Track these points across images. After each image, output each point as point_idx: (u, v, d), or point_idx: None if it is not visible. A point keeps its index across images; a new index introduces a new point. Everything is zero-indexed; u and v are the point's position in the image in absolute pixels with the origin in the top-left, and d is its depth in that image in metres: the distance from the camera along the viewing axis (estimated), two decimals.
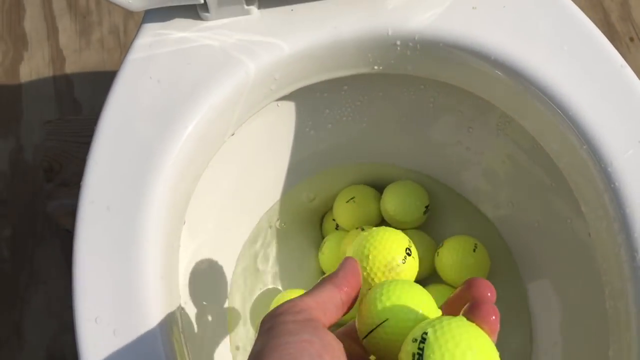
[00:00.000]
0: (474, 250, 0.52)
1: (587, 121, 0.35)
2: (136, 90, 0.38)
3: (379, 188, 0.61)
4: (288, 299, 0.52)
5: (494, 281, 0.52)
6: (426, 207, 0.57)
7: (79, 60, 0.88)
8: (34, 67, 0.88)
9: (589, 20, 0.41)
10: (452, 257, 0.52)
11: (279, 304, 0.52)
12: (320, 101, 0.51)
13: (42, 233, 0.77)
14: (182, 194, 0.37)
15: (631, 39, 0.86)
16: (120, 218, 0.34)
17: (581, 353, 0.39)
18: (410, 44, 0.40)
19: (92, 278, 0.33)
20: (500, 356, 0.27)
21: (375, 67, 0.43)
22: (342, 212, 0.58)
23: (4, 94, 0.87)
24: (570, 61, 0.37)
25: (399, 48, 0.41)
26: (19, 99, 0.86)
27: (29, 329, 0.73)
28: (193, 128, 0.37)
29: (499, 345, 0.25)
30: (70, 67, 0.87)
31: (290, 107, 0.51)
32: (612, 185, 0.34)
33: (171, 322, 0.32)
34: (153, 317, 0.32)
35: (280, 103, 0.49)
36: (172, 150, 0.36)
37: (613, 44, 0.90)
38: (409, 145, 0.57)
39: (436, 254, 0.54)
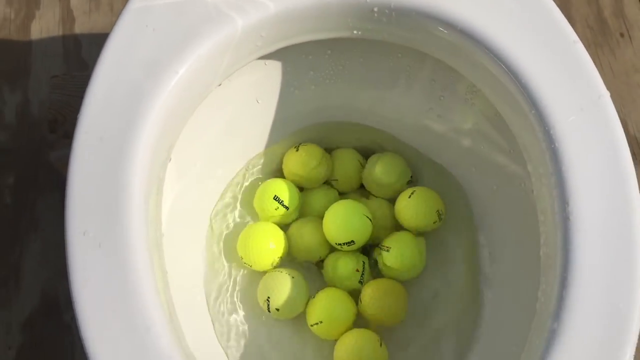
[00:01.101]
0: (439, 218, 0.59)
1: (537, 89, 0.39)
2: (133, 37, 0.42)
3: (359, 149, 0.65)
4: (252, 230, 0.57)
5: (453, 233, 0.56)
6: (410, 177, 0.63)
7: (87, 21, 0.89)
8: (44, 25, 0.89)
9: (550, 1, 0.44)
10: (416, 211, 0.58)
11: (245, 233, 0.58)
12: (305, 63, 0.54)
13: (43, 183, 0.79)
14: (169, 135, 0.41)
15: (621, 35, 0.89)
16: (111, 147, 0.38)
17: (519, 292, 0.43)
18: (387, 10, 0.44)
19: (83, 196, 0.37)
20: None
21: (355, 32, 0.47)
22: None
23: (14, 49, 0.87)
24: (529, 35, 0.41)
25: (376, 14, 0.44)
26: (28, 55, 0.87)
27: (27, 271, 0.75)
28: (182, 74, 0.41)
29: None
30: (79, 28, 0.89)
31: (276, 66, 0.54)
32: (553, 146, 0.37)
33: (152, 239, 0.36)
34: (135, 234, 0.36)
35: (267, 62, 0.53)
36: (163, 91, 0.40)
37: (604, 38, 0.92)
38: (386, 109, 0.60)
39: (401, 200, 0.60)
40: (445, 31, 0.42)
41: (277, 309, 0.56)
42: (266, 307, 0.56)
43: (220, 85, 0.46)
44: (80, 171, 0.37)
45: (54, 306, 0.73)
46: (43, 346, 0.72)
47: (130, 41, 0.42)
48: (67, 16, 0.90)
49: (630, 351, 0.34)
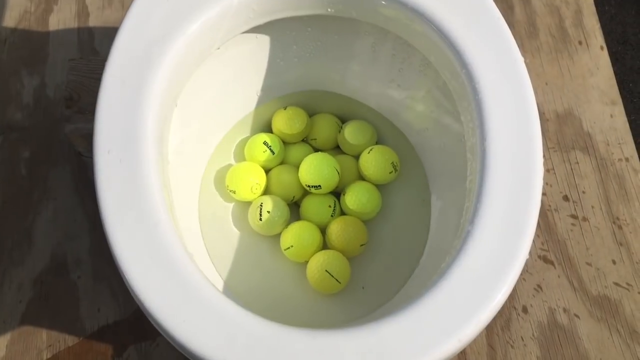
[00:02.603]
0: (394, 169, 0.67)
1: (467, 54, 0.48)
2: (150, 3, 0.51)
3: (335, 113, 0.73)
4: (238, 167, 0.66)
5: (408, 187, 0.65)
6: (376, 142, 0.71)
7: (101, 16, 0.95)
8: (61, 18, 0.95)
9: None
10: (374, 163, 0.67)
11: (234, 168, 0.66)
12: (290, 38, 0.62)
13: (56, 157, 0.84)
14: (176, 82, 0.50)
15: (580, 42, 0.96)
16: (131, 88, 0.46)
17: (453, 217, 0.52)
18: None
19: (108, 124, 0.45)
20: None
21: (329, 10, 0.56)
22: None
23: (34, 39, 0.92)
24: (464, 14, 0.51)
25: None
26: (46, 44, 0.92)
27: (38, 235, 0.79)
28: (189, 34, 0.49)
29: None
30: (93, 22, 0.94)
31: (266, 39, 0.62)
32: (477, 97, 0.47)
33: (160, 160, 0.45)
34: (148, 154, 0.45)
35: (258, 35, 0.61)
36: (173, 47, 0.48)
37: (564, 45, 1.00)
38: (356, 80, 0.68)
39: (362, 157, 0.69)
40: (396, 7, 0.51)
41: (268, 211, 0.64)
42: (258, 213, 0.64)
43: (219, 49, 0.55)
44: (106, 105, 0.46)
45: (62, 266, 0.78)
46: (51, 301, 0.76)
47: (149, 7, 0.51)
48: (83, 11, 0.95)
49: (526, 249, 0.43)
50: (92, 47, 0.93)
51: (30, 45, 0.93)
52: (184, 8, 0.50)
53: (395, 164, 0.67)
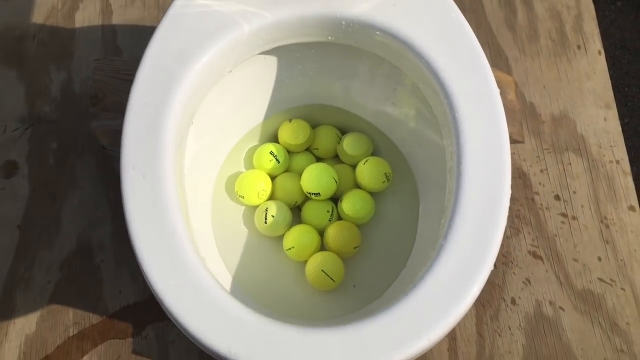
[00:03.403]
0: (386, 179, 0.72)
1: (450, 86, 0.54)
2: (171, 35, 0.55)
3: (336, 126, 0.78)
4: (249, 176, 0.71)
5: (399, 195, 0.71)
6: (372, 153, 0.77)
7: (124, 14, 0.98)
8: (86, 15, 0.98)
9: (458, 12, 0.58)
10: (368, 173, 0.71)
11: (243, 175, 0.72)
12: (295, 59, 0.68)
13: (82, 149, 0.88)
14: (192, 104, 0.56)
15: (578, 47, 0.99)
16: (153, 110, 0.52)
17: (437, 225, 0.57)
18: (351, 24, 0.57)
19: (133, 143, 0.51)
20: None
21: (329, 38, 0.60)
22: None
23: (61, 35, 0.96)
24: (449, 48, 0.56)
25: (343, 26, 0.58)
26: (72, 40, 0.96)
27: (65, 221, 0.84)
28: (204, 61, 0.55)
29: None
30: (116, 19, 0.97)
31: (273, 60, 0.68)
32: (456, 125, 0.52)
33: (178, 175, 0.52)
34: (167, 170, 0.51)
35: (266, 57, 0.66)
36: (190, 73, 0.53)
37: (563, 49, 1.03)
38: (355, 96, 0.73)
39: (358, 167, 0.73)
40: (388, 39, 0.56)
41: (273, 215, 0.69)
42: (264, 217, 0.70)
43: (230, 72, 0.61)
44: (132, 126, 0.52)
45: (87, 251, 0.82)
46: (77, 282, 0.81)
47: (169, 37, 0.55)
48: (106, 9, 0.98)
49: (490, 262, 0.49)
50: (115, 44, 0.96)
51: (58, 41, 0.96)
52: (199, 39, 0.56)
53: (388, 175, 0.72)
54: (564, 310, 0.82)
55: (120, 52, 0.95)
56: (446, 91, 0.53)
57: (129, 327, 0.79)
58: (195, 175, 0.63)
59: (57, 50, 0.95)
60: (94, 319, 0.79)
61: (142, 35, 0.96)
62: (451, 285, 0.47)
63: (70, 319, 0.79)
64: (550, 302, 0.83)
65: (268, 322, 0.46)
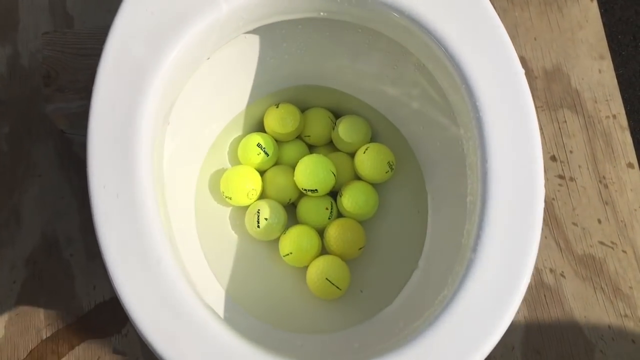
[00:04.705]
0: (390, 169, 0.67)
1: (467, 68, 0.47)
2: (134, 19, 0.48)
3: (330, 109, 0.72)
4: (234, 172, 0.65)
5: (404, 184, 0.65)
6: (370, 139, 0.70)
7: None
8: None
9: None
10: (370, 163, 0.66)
11: (228, 173, 0.65)
12: (280, 36, 0.61)
13: (37, 132, 0.82)
14: (167, 100, 0.48)
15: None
16: (121, 115, 0.45)
17: (451, 230, 0.53)
18: None
19: (101, 157, 0.44)
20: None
21: (321, 13, 0.53)
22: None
23: (1, 3, 0.87)
24: (463, 23, 0.49)
25: (339, 1, 0.52)
26: (15, 9, 0.88)
27: (26, 214, 0.78)
28: (177, 50, 0.47)
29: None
30: None
31: (255, 39, 0.61)
32: (477, 115, 0.46)
33: (157, 190, 0.45)
34: (144, 186, 0.44)
35: (247, 36, 0.58)
36: (162, 66, 0.47)
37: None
38: (350, 75, 0.66)
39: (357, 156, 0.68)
40: (397, 16, 0.49)
41: (266, 218, 0.63)
42: (256, 220, 0.64)
43: (208, 58, 0.53)
44: (97, 136, 0.44)
45: (54, 244, 0.77)
46: (45, 280, 0.76)
47: (133, 23, 0.48)
48: None
49: (527, 278, 0.44)
50: (65, 11, 0.89)
51: None
52: (169, 22, 0.48)
53: (391, 163, 0.66)
54: (565, 277, 0.80)
55: (70, 20, 0.88)
56: (463, 74, 0.47)
57: (108, 324, 0.75)
58: (174, 177, 0.56)
59: None
60: (68, 318, 0.75)
61: (93, 0, 0.90)
62: (485, 310, 0.42)
63: (42, 321, 0.75)
64: (551, 270, 0.80)
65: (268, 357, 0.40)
